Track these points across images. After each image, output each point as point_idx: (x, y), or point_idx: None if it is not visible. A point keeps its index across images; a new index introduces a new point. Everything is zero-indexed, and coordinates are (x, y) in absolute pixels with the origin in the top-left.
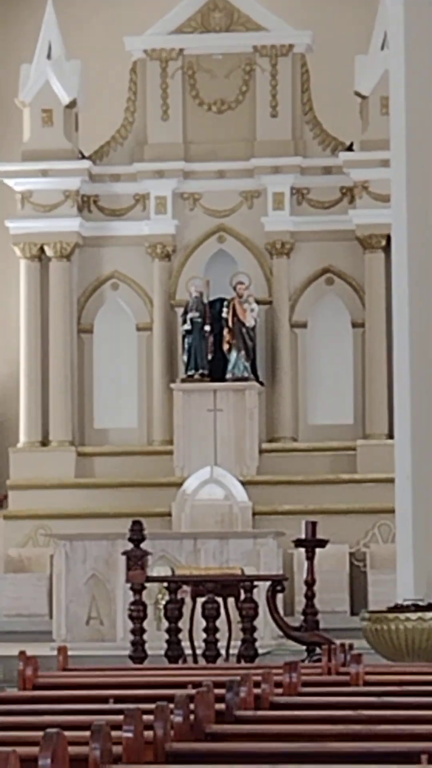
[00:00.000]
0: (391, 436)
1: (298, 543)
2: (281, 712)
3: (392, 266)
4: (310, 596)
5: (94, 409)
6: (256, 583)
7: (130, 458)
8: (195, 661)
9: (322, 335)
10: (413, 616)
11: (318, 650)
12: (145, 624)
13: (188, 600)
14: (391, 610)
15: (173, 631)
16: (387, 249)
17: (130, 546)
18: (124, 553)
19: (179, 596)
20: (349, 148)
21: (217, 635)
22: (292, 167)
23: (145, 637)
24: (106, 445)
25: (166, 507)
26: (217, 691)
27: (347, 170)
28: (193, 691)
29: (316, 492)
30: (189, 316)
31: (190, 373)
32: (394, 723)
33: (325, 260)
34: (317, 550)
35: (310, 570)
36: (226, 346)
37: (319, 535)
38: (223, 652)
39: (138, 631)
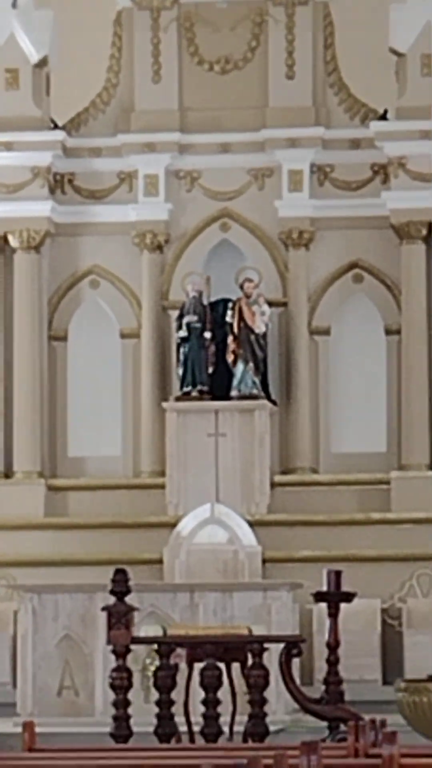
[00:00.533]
0: None
1: (319, 597)
2: None
3: None
4: (333, 662)
5: (68, 434)
6: (266, 645)
7: (113, 493)
8: (191, 740)
9: (348, 344)
10: None
11: (343, 727)
12: (130, 695)
13: (183, 666)
14: None
15: (165, 704)
16: (428, 239)
17: (112, 600)
18: (104, 609)
19: (172, 661)
20: (383, 117)
21: (219, 709)
22: (313, 140)
23: (130, 711)
24: (83, 478)
25: (156, 553)
26: None
27: (380, 143)
28: None
29: (341, 535)
30: (185, 320)
31: (186, 389)
32: None
33: (353, 253)
34: (342, 605)
35: (334, 630)
36: (230, 357)
37: (345, 588)
38: (226, 729)
39: (121, 704)
